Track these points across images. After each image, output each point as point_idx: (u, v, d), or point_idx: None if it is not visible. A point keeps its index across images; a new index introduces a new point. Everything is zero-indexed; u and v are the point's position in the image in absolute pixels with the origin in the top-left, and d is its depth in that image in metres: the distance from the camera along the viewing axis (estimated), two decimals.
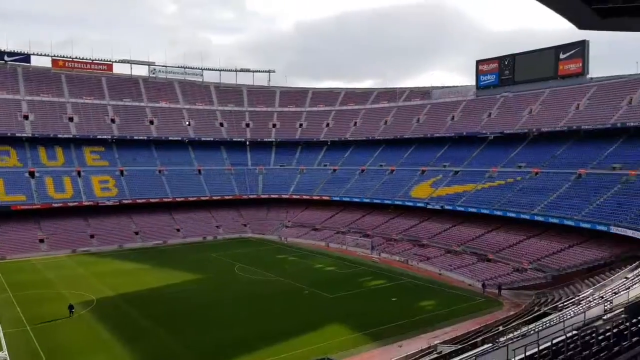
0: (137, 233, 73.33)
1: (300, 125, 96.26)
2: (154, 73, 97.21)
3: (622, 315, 17.47)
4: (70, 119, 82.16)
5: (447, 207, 64.78)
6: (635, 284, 27.85)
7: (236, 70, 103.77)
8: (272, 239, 75.85)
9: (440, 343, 27.81)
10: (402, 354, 27.86)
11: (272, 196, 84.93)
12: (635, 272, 33.98)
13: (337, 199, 79.30)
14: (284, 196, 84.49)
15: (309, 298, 43.47)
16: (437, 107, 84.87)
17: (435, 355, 24.85)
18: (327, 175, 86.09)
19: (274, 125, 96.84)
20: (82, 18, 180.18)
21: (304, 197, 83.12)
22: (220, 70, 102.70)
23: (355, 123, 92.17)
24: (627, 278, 32.75)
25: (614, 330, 14.36)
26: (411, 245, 62.75)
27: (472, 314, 38.83)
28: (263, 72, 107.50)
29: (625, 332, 13.44)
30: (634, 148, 56.05)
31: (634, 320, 14.52)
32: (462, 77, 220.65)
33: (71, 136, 79.73)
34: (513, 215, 56.65)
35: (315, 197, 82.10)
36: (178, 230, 76.35)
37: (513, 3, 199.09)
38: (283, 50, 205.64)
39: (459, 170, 70.96)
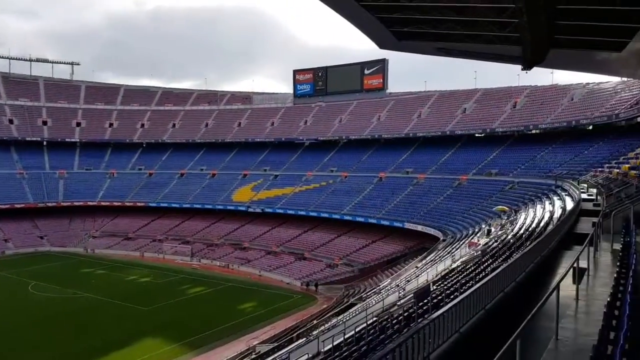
0: None
1: (111, 124, 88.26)
2: None
3: (412, 300, 20.09)
4: None
5: (267, 209, 66.56)
6: (423, 272, 32.33)
7: (31, 60, 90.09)
8: (76, 251, 67.73)
9: (258, 343, 28.27)
10: (223, 358, 27.54)
11: (76, 203, 75.86)
12: (424, 262, 39.52)
13: (154, 204, 74.85)
14: (90, 203, 76.24)
15: (121, 313, 40.01)
16: (257, 113, 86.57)
17: (254, 356, 25.14)
18: (142, 180, 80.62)
19: (79, 124, 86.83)
20: None
21: (115, 203, 76.33)
22: (10, 59, 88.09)
23: (174, 125, 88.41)
24: (417, 267, 37.84)
25: (405, 314, 16.38)
26: (232, 249, 62.72)
27: (290, 311, 40.49)
28: (65, 64, 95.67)
29: (413, 315, 15.43)
30: (423, 155, 65.42)
31: (420, 304, 16.78)
32: (282, 84, 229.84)
33: None
34: (326, 215, 61.10)
35: (128, 204, 76.09)
36: None
37: (327, 20, 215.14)
38: (91, 42, 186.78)
39: (279, 174, 73.54)
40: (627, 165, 32.45)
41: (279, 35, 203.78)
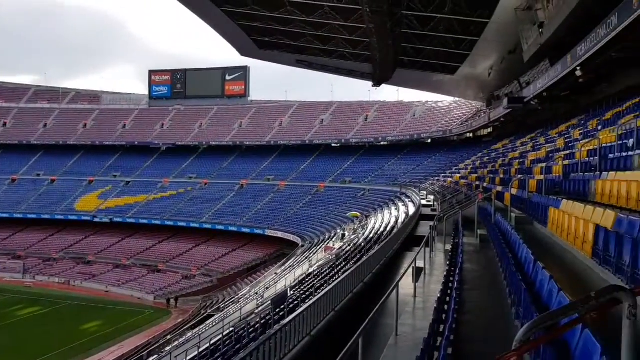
0: None
1: None
2: None
3: (270, 307, 20.19)
4: None
5: (116, 219, 61.52)
6: (281, 278, 32.77)
7: None
8: None
9: None
10: None
11: None
12: (283, 267, 40.10)
13: None
14: None
15: None
16: (107, 114, 79.81)
17: None
18: None
19: None
20: None
21: None
22: None
23: (5, 124, 77.27)
24: (276, 274, 38.23)
25: (262, 322, 16.36)
26: (74, 264, 56.63)
27: (142, 328, 37.90)
28: None
29: (270, 322, 15.48)
30: (284, 162, 66.66)
31: (278, 310, 16.92)
32: (139, 85, 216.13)
33: None
34: (184, 224, 58.67)
35: None
36: None
37: (190, 26, 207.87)
38: None
39: (131, 181, 68.65)
40: (458, 175, 36.94)
41: (135, 35, 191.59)
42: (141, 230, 61.24)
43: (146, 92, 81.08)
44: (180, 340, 23.80)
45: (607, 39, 17.09)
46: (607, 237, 6.27)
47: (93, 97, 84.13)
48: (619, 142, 12.15)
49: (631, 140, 11.35)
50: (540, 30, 23.07)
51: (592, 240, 6.85)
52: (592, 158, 12.70)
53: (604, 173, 10.31)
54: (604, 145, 12.50)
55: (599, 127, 17.99)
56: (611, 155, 11.81)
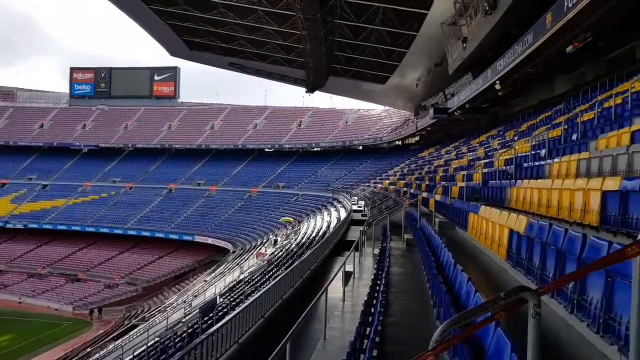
0: None
1: None
2: None
3: (198, 315, 19.60)
4: None
5: (31, 225, 57.27)
6: (211, 286, 31.97)
7: None
8: None
9: None
10: None
11: None
12: (213, 275, 39.16)
13: None
14: None
15: None
16: (22, 112, 74.33)
17: None
18: None
19: None
20: None
21: None
22: None
23: None
24: (206, 281, 37.24)
25: (189, 331, 15.85)
26: None
27: (59, 341, 35.53)
28: None
29: (197, 330, 15.04)
30: (215, 167, 65.29)
31: (206, 318, 16.47)
32: (59, 82, 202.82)
33: None
34: (106, 230, 55.72)
35: None
36: None
37: (116, 21, 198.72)
38: None
39: (48, 184, 64.25)
40: (387, 181, 38.04)
41: (57, 32, 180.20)
42: (59, 237, 57.40)
43: (67, 91, 76.49)
44: (101, 352, 22.50)
45: (524, 56, 18.41)
46: (519, 241, 6.69)
47: (7, 93, 78.16)
48: (533, 152, 13.07)
49: (543, 151, 12.26)
50: (464, 45, 24.41)
51: (507, 244, 7.29)
52: (508, 167, 13.53)
53: (518, 181, 11.01)
54: (519, 154, 13.39)
55: (516, 138, 19.26)
56: (525, 164, 12.64)
